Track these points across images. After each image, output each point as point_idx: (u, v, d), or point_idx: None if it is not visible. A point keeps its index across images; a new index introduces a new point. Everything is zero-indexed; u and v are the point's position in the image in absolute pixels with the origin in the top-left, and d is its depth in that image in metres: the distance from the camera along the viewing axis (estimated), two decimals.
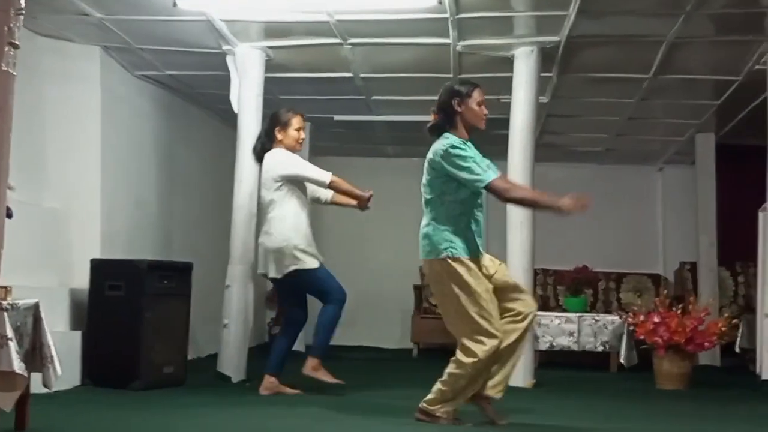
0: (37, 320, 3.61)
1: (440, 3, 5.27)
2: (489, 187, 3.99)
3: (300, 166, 5.29)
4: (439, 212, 4.10)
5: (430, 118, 4.24)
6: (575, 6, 5.26)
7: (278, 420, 4.32)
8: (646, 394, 6.06)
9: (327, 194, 5.51)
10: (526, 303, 4.15)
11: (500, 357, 4.06)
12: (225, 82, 6.48)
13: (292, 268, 5.16)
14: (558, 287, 9.37)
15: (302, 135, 5.42)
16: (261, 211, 5.31)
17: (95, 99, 6.26)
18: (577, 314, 7.74)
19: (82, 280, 5.65)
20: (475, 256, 4.10)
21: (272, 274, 5.25)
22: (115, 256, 6.04)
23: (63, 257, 5.98)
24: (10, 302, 3.39)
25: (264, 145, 5.40)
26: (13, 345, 3.25)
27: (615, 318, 7.69)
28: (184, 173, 7.82)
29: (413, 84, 6.94)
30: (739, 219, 7.50)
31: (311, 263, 5.20)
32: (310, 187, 5.45)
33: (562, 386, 6.32)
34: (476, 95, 4.17)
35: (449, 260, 4.02)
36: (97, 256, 5.87)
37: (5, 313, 3.31)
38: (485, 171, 4.00)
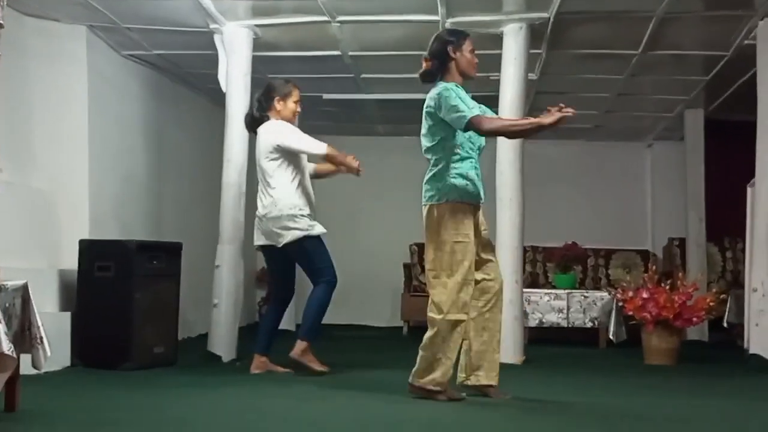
0: (26, 301, 3.60)
1: None
2: (469, 123, 4.03)
3: (296, 137, 5.26)
4: (440, 158, 4.16)
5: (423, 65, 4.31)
6: None
7: (269, 399, 4.33)
8: (634, 370, 6.10)
9: (310, 168, 5.49)
10: (497, 269, 4.34)
11: (484, 341, 4.24)
12: (213, 61, 6.44)
13: (300, 234, 5.14)
14: (547, 264, 9.40)
15: (299, 108, 5.44)
16: (261, 181, 5.27)
17: (82, 79, 6.23)
18: (567, 291, 7.79)
19: (71, 260, 5.63)
20: (476, 200, 4.17)
21: (273, 242, 5.21)
22: (104, 236, 6.03)
23: (52, 238, 5.97)
24: None
25: (259, 114, 5.38)
26: (1, 326, 3.24)
27: (604, 294, 7.74)
28: (173, 153, 7.78)
29: (402, 61, 6.88)
30: (728, 194, 7.53)
31: (319, 229, 5.21)
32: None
33: (552, 362, 6.36)
34: (468, 43, 4.30)
35: (450, 204, 4.09)
36: (86, 236, 5.85)
37: None
38: (470, 109, 4.06)
